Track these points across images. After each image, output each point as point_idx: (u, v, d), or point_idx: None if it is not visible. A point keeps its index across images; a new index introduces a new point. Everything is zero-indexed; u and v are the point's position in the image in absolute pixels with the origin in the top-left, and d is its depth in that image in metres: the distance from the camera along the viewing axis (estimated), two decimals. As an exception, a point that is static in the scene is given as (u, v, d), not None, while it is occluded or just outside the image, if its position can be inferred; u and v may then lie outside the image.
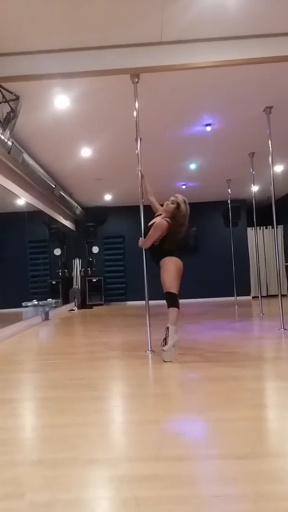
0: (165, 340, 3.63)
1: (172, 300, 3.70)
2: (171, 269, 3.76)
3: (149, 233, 3.83)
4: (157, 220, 3.89)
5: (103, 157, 6.97)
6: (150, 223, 3.95)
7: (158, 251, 3.85)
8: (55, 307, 8.80)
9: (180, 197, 3.90)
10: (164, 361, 3.55)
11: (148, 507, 1.39)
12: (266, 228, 11.47)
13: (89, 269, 11.23)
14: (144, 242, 3.88)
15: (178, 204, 3.84)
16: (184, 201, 3.88)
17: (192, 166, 7.47)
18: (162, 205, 4.03)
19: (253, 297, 10.82)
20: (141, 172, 4.22)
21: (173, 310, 3.68)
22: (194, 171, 8.01)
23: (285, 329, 5.06)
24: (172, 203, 3.86)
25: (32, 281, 7.99)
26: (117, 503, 1.44)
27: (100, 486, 1.56)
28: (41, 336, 6.06)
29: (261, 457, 1.72)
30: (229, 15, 3.52)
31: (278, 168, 8.07)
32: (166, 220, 3.82)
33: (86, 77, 4.19)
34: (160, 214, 3.99)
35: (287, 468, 1.64)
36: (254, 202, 7.43)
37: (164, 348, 3.59)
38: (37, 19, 3.45)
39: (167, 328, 3.64)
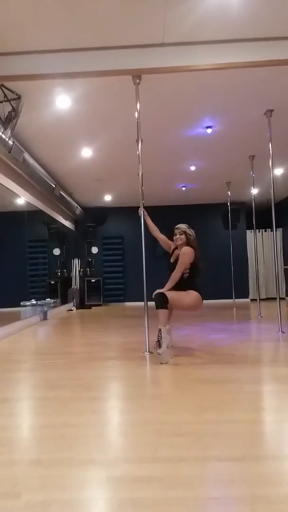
0: (158, 342, 3.65)
1: (163, 302, 3.75)
2: (189, 301, 3.85)
3: (180, 260, 3.87)
4: (181, 250, 3.94)
5: (104, 157, 6.97)
6: (173, 260, 4.04)
7: (187, 282, 3.90)
8: (54, 307, 8.79)
9: (182, 226, 4.06)
10: (161, 363, 3.55)
11: (144, 508, 1.39)
12: (266, 231, 11.48)
13: (88, 269, 11.23)
14: (175, 273, 3.85)
15: (185, 232, 4.00)
16: (188, 227, 4.05)
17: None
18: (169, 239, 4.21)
19: (251, 300, 10.82)
20: (144, 211, 4.22)
21: (162, 312, 3.74)
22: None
23: (283, 332, 5.06)
24: (180, 235, 4.01)
25: (31, 281, 7.99)
26: (113, 503, 1.44)
27: (96, 487, 1.56)
28: (39, 336, 6.06)
29: (258, 459, 1.72)
30: (231, 18, 3.52)
31: (278, 171, 8.08)
32: (189, 247, 3.92)
33: (88, 78, 4.19)
34: (176, 248, 4.08)
35: (284, 471, 1.65)
36: (253, 205, 7.44)
37: (159, 351, 3.61)
38: (40, 19, 3.46)
39: (160, 330, 3.66)
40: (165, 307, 3.75)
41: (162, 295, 3.75)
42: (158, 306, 3.75)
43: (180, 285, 3.88)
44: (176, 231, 4.06)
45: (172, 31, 3.70)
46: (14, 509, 1.41)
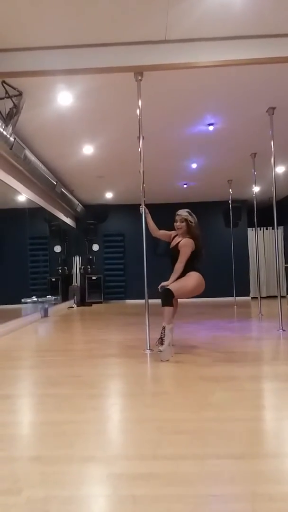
0: (161, 340, 3.65)
1: (168, 299, 3.75)
2: (193, 282, 3.83)
3: (182, 251, 3.85)
4: (181, 240, 3.92)
5: (105, 154, 6.96)
6: (172, 245, 4.02)
7: (186, 266, 3.87)
8: (54, 304, 8.80)
9: (183, 212, 3.99)
10: (162, 361, 3.55)
11: (144, 505, 1.39)
12: (267, 229, 11.47)
13: (88, 266, 11.23)
14: (178, 264, 3.83)
15: (186, 220, 3.94)
16: (189, 213, 3.99)
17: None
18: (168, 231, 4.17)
19: (252, 298, 10.82)
20: (145, 209, 4.20)
21: (167, 309, 3.73)
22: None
23: (283, 330, 5.06)
24: (181, 222, 3.96)
25: (32, 278, 7.99)
26: (113, 500, 1.44)
27: (97, 484, 1.57)
28: (40, 333, 6.06)
29: (258, 457, 1.73)
30: (234, 15, 3.51)
31: (280, 169, 8.06)
32: (189, 238, 3.90)
33: (89, 74, 4.18)
34: (177, 235, 4.05)
35: (284, 469, 1.65)
36: (255, 202, 7.43)
37: (160, 348, 3.61)
38: (42, 15, 3.44)
39: (164, 327, 3.66)
40: (171, 304, 3.75)
41: (167, 291, 3.75)
42: (163, 304, 3.75)
43: (184, 270, 3.86)
44: (176, 217, 3.99)
45: (175, 28, 3.69)
46: (15, 505, 1.41)
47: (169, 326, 3.68)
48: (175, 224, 4.01)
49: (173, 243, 4.04)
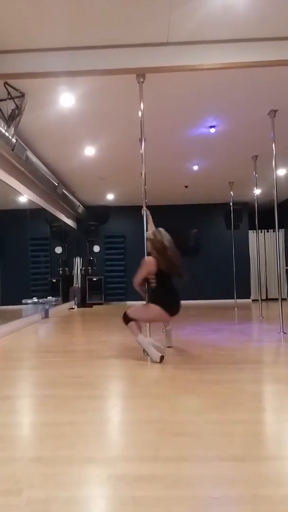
0: (143, 350, 3.77)
1: (125, 319, 3.82)
2: (148, 315, 3.83)
3: (139, 269, 3.85)
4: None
5: (107, 156, 6.97)
6: None
7: (153, 293, 3.85)
8: (55, 305, 8.80)
9: (147, 233, 4.02)
10: (158, 362, 3.55)
11: (145, 507, 1.39)
12: (268, 231, 11.47)
13: (89, 268, 11.23)
14: (134, 278, 3.86)
15: (148, 239, 3.95)
16: (153, 233, 3.90)
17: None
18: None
19: (253, 300, 10.81)
20: (146, 211, 4.18)
21: (130, 326, 3.79)
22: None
23: (284, 332, 5.06)
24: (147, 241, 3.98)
25: (33, 279, 8.00)
26: (114, 502, 1.44)
27: (97, 485, 1.56)
28: (40, 334, 6.06)
29: (259, 460, 1.72)
30: (236, 17, 3.51)
31: (281, 172, 8.06)
32: (152, 256, 3.84)
33: (91, 76, 4.19)
34: None
35: (285, 471, 1.65)
36: (256, 205, 7.43)
37: (148, 356, 3.68)
38: (44, 16, 3.45)
39: (137, 341, 3.76)
40: (131, 320, 3.78)
41: (124, 314, 3.83)
42: (126, 322, 3.82)
43: (148, 295, 3.89)
44: None
45: (177, 30, 3.69)
46: (16, 506, 1.41)
47: (140, 337, 3.74)
48: None
49: None
